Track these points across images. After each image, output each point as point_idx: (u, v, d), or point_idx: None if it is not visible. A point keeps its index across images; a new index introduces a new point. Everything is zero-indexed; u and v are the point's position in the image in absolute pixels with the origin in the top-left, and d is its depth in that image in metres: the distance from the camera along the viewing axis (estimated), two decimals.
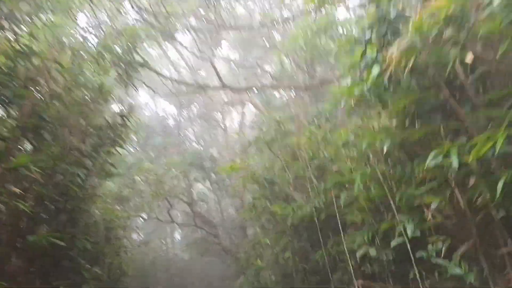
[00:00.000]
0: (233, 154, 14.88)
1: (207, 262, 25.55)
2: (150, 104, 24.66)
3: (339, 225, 7.76)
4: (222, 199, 17.95)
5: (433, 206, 4.12)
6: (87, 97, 7.61)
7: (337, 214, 7.48)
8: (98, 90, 7.67)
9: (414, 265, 5.34)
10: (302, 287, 9.16)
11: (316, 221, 7.70)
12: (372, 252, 5.66)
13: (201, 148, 18.80)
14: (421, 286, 5.45)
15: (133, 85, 8.88)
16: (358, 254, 5.78)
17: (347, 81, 6.08)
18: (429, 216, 4.14)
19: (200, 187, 18.43)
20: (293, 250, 8.96)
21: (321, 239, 7.70)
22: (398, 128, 4.83)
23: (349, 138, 6.45)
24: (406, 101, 4.49)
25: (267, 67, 17.77)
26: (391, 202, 5.54)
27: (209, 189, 17.56)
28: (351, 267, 7.45)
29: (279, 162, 9.33)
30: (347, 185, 6.95)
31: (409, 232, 4.46)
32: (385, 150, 4.82)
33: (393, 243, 4.64)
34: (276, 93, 15.65)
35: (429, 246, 4.41)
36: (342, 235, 7.68)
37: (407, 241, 4.48)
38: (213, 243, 19.15)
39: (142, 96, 23.34)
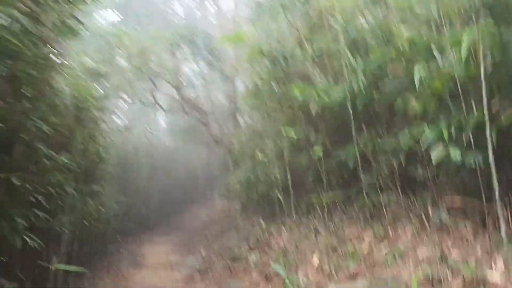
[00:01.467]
0: (231, 30, 12.40)
1: (193, 150, 24.25)
2: None
3: (380, 117, 5.91)
4: (215, 84, 15.81)
5: None
6: None
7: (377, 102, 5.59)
8: None
9: None
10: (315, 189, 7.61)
11: (350, 109, 5.78)
12: (455, 154, 3.82)
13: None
14: None
15: None
16: (434, 157, 3.93)
17: None
18: None
19: (189, 69, 16.02)
20: (308, 144, 7.19)
21: (353, 134, 5.87)
22: None
23: None
24: None
25: None
26: None
27: (199, 72, 15.23)
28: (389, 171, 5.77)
29: (297, 33, 7.15)
30: (405, 61, 4.93)
31: None
32: None
33: None
34: None
35: None
36: (383, 129, 5.86)
37: None
38: (201, 132, 17.45)
39: None
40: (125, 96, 13.23)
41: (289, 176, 8.28)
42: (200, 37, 12.65)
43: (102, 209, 9.01)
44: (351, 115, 5.79)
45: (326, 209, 7.19)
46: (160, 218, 20.40)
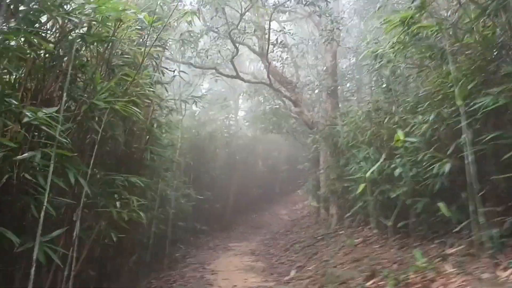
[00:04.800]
0: None
1: (275, 141, 20.74)
2: None
3: None
4: (309, 47, 11.86)
5: None
6: None
7: None
8: None
9: None
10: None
11: None
12: None
13: None
14: None
15: None
16: None
17: None
18: None
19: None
20: None
21: None
22: None
23: None
24: None
25: None
26: None
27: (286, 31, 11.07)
28: None
29: None
30: None
31: None
32: None
33: None
34: None
35: None
36: None
37: None
38: (289, 116, 13.80)
39: None
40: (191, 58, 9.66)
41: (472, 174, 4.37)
42: None
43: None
44: None
45: None
46: (236, 216, 17.13)
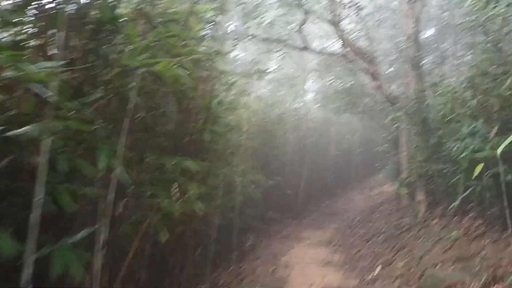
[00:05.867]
0: None
1: (348, 123, 19.40)
2: None
3: None
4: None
5: None
6: None
7: None
8: None
9: None
10: None
11: None
12: None
13: None
14: None
15: None
16: None
17: None
18: None
19: None
20: None
21: None
22: None
23: None
24: None
25: None
26: None
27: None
28: None
29: None
30: None
31: None
32: None
33: None
34: None
35: None
36: None
37: None
38: (364, 94, 12.47)
39: None
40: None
41: None
42: None
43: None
44: None
45: None
46: (309, 203, 16.10)
